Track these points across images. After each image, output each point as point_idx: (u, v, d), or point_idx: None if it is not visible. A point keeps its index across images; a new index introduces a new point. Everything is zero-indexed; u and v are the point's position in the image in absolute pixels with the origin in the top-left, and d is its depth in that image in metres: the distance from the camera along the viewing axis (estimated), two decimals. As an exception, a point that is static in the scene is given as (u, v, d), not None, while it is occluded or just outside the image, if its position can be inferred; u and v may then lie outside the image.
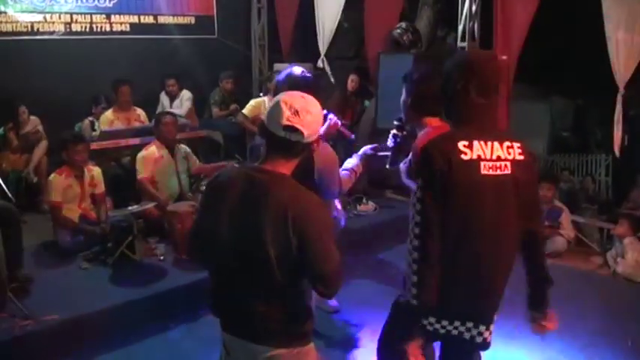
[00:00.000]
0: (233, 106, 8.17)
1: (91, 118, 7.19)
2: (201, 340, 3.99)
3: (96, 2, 7.94)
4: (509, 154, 2.34)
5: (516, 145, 2.38)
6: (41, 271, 4.81)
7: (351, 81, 8.08)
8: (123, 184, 6.05)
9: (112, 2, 8.09)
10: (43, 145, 6.65)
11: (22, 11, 7.35)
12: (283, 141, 2.13)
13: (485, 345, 2.59)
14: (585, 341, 4.28)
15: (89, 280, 4.76)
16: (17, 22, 7.30)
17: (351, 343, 4.31)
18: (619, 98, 6.04)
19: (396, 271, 5.25)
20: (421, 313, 2.43)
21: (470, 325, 2.50)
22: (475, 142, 2.31)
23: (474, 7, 7.13)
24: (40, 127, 6.80)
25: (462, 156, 2.28)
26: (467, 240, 2.35)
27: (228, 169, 2.32)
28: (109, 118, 6.84)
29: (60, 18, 7.65)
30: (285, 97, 2.17)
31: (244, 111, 5.37)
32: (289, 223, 2.06)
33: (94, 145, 6.02)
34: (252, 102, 5.30)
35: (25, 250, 4.70)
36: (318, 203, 2.18)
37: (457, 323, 2.49)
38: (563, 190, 7.32)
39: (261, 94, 7.59)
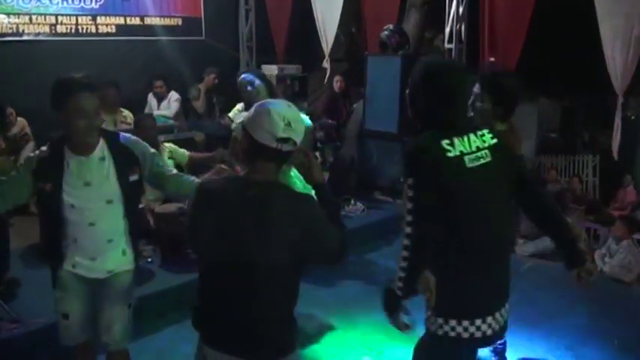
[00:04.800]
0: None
1: (77, 120, 7.15)
2: (190, 343, 3.97)
3: (81, 3, 7.92)
4: None
5: None
6: (29, 274, 4.76)
7: (336, 82, 8.13)
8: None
9: (97, 3, 8.06)
10: (31, 146, 6.59)
11: (7, 12, 7.31)
12: (275, 151, 2.12)
13: (503, 331, 2.56)
14: (572, 340, 4.31)
15: (77, 283, 4.73)
16: (2, 23, 7.26)
17: (340, 345, 4.30)
18: (618, 105, 6.10)
19: (383, 272, 5.27)
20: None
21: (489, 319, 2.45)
22: None
23: (460, 9, 7.18)
24: (28, 129, 6.76)
25: None
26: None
27: (217, 180, 2.31)
28: (95, 120, 6.80)
29: (45, 19, 7.62)
30: (275, 107, 2.13)
31: (230, 114, 5.34)
32: (295, 229, 2.09)
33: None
34: (239, 106, 5.27)
35: (12, 253, 4.67)
36: (312, 202, 2.21)
37: (478, 322, 2.42)
38: (550, 190, 7.38)
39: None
